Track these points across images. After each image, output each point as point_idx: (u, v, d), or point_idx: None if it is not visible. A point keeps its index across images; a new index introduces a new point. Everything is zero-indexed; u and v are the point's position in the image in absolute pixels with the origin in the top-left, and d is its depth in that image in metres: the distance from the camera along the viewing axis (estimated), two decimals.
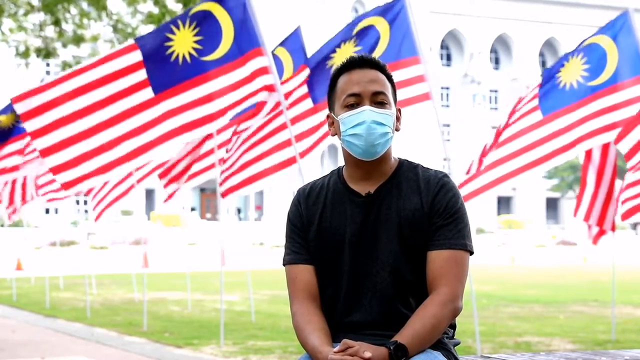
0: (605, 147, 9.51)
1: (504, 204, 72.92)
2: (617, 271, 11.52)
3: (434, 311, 2.67)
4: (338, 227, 2.79)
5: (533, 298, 15.83)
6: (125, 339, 10.10)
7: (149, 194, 61.34)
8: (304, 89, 8.43)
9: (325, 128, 8.27)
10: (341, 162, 3.00)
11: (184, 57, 7.01)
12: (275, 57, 8.85)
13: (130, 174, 11.70)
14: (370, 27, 8.06)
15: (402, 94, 7.22)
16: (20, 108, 6.66)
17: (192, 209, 62.41)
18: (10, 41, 16.68)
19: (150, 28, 16.02)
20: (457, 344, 2.89)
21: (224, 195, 9.32)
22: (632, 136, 7.63)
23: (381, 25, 8.03)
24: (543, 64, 75.30)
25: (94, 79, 6.78)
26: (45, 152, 6.68)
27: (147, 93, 6.90)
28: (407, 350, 2.58)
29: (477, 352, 8.07)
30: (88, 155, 6.75)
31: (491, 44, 74.18)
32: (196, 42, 7.07)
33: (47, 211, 57.47)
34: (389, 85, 2.80)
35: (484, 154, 8.19)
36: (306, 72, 8.43)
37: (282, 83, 8.20)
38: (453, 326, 2.87)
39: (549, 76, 7.97)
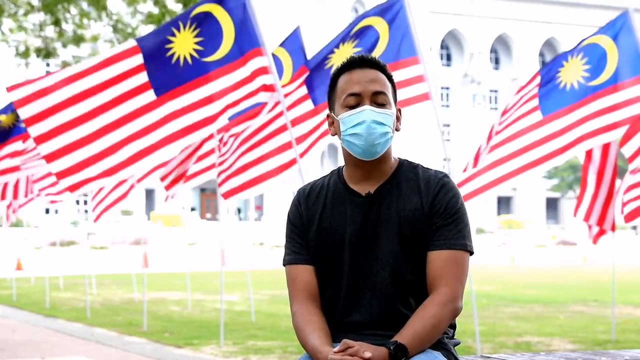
0: (606, 147, 9.52)
1: (504, 204, 72.92)
2: (617, 271, 11.53)
3: (434, 311, 2.67)
4: (338, 227, 2.79)
5: (533, 298, 15.84)
6: (125, 339, 10.10)
7: (149, 194, 61.35)
8: (304, 90, 8.42)
9: (324, 127, 8.26)
10: (341, 162, 3.00)
11: (185, 58, 7.01)
12: (274, 57, 8.84)
13: (130, 175, 11.69)
14: (369, 27, 8.05)
15: (401, 94, 7.21)
16: (22, 109, 6.65)
17: (192, 209, 62.42)
18: (10, 41, 16.68)
19: (150, 28, 16.02)
20: (457, 344, 2.89)
21: (225, 196, 9.30)
22: (637, 140, 7.62)
23: (380, 25, 8.02)
24: (543, 64, 75.14)
25: (96, 83, 6.78)
26: (50, 158, 6.70)
27: (149, 96, 6.90)
28: (407, 350, 2.58)
29: (477, 352, 8.07)
30: (92, 159, 6.77)
31: (491, 44, 74.19)
32: (197, 43, 7.07)
33: (47, 211, 57.48)
34: (389, 85, 2.80)
35: (478, 153, 8.19)
36: (305, 74, 8.42)
37: (283, 86, 8.18)
38: (453, 326, 2.87)
39: (549, 76, 7.96)
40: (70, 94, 6.70)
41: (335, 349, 2.55)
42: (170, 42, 7.00)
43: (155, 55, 6.95)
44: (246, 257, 27.42)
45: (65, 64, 16.51)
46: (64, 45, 16.38)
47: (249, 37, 7.24)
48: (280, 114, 8.55)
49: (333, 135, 2.86)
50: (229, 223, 50.24)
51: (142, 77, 6.88)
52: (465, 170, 8.26)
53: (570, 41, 70.04)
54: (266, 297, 15.76)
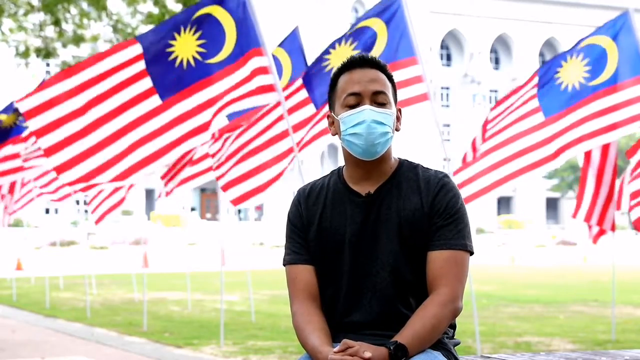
0: (606, 147, 9.52)
1: (504, 204, 72.92)
2: (617, 271, 11.53)
3: (434, 311, 2.67)
4: (338, 227, 2.79)
5: (533, 298, 15.84)
6: (125, 339, 10.10)
7: (149, 194, 61.34)
8: (304, 93, 8.37)
9: (322, 125, 8.23)
10: (341, 162, 3.00)
11: (188, 61, 7.00)
12: (274, 57, 8.82)
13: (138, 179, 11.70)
14: (366, 28, 8.04)
15: (400, 95, 7.15)
16: (32, 121, 6.69)
17: (192, 209, 62.42)
18: (10, 41, 16.68)
19: (150, 28, 16.02)
20: (457, 344, 2.89)
21: (235, 203, 9.19)
22: None
23: (377, 25, 8.00)
24: (543, 63, 74.87)
25: (102, 91, 6.80)
26: (61, 169, 6.74)
27: (155, 101, 6.90)
28: (407, 350, 2.58)
29: (477, 352, 8.07)
30: (103, 167, 6.80)
31: (491, 44, 74.19)
32: (200, 45, 7.05)
33: (47, 211, 57.50)
34: (389, 85, 2.81)
35: (474, 144, 8.19)
36: (300, 81, 8.38)
37: (283, 89, 8.16)
38: (453, 326, 2.87)
39: (548, 77, 7.95)
40: (77, 105, 6.74)
41: (335, 349, 2.55)
42: (172, 45, 6.99)
43: (157, 59, 6.94)
44: (246, 257, 27.42)
45: (65, 64, 16.51)
46: (64, 45, 16.38)
47: (249, 37, 7.23)
48: (281, 117, 8.49)
49: (333, 135, 2.86)
50: (229, 223, 50.24)
51: (146, 83, 6.88)
52: (464, 160, 8.25)
53: (570, 41, 69.96)
54: (266, 297, 15.76)
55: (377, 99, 2.75)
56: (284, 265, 2.87)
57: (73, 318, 12.29)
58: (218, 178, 9.24)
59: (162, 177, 10.81)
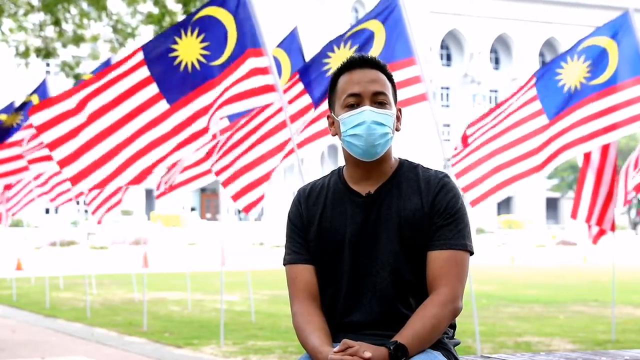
0: (606, 148, 9.52)
1: (504, 204, 72.90)
2: (617, 271, 11.53)
3: (434, 311, 2.67)
4: (338, 227, 2.79)
5: (533, 298, 15.84)
6: (125, 339, 10.10)
7: (149, 194, 61.35)
8: (300, 86, 8.36)
9: (321, 125, 8.22)
10: (341, 162, 3.00)
11: (192, 64, 7.00)
12: (273, 58, 8.82)
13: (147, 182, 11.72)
14: (365, 30, 8.04)
15: (398, 95, 7.14)
16: (44, 134, 6.77)
17: (192, 209, 62.43)
18: (10, 41, 16.68)
19: (150, 28, 16.03)
20: (457, 344, 2.89)
21: (235, 199, 9.17)
22: None
23: (374, 25, 8.00)
24: (543, 63, 75.13)
25: (109, 100, 6.85)
26: (75, 180, 6.81)
27: (163, 105, 6.93)
28: (407, 350, 2.58)
29: (477, 352, 8.07)
30: (114, 174, 6.86)
31: (491, 44, 74.19)
32: (203, 48, 7.05)
33: (47, 211, 57.42)
34: (389, 85, 2.81)
35: (464, 135, 8.19)
36: (300, 85, 8.38)
37: (284, 91, 8.16)
38: (453, 326, 2.87)
39: (547, 78, 7.95)
40: (87, 116, 6.79)
41: (335, 349, 2.55)
42: (174, 50, 7.00)
43: (161, 65, 6.96)
44: (246, 257, 27.42)
45: (65, 64, 16.52)
46: (64, 45, 16.38)
47: (249, 36, 7.24)
48: (279, 111, 8.49)
49: (333, 135, 2.86)
50: (229, 223, 50.24)
51: (153, 89, 6.91)
52: (455, 149, 8.25)
53: (570, 41, 69.95)
54: (266, 297, 15.76)
55: (377, 100, 2.75)
56: (284, 265, 2.87)
57: (73, 318, 12.30)
58: (218, 173, 9.23)
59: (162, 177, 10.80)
